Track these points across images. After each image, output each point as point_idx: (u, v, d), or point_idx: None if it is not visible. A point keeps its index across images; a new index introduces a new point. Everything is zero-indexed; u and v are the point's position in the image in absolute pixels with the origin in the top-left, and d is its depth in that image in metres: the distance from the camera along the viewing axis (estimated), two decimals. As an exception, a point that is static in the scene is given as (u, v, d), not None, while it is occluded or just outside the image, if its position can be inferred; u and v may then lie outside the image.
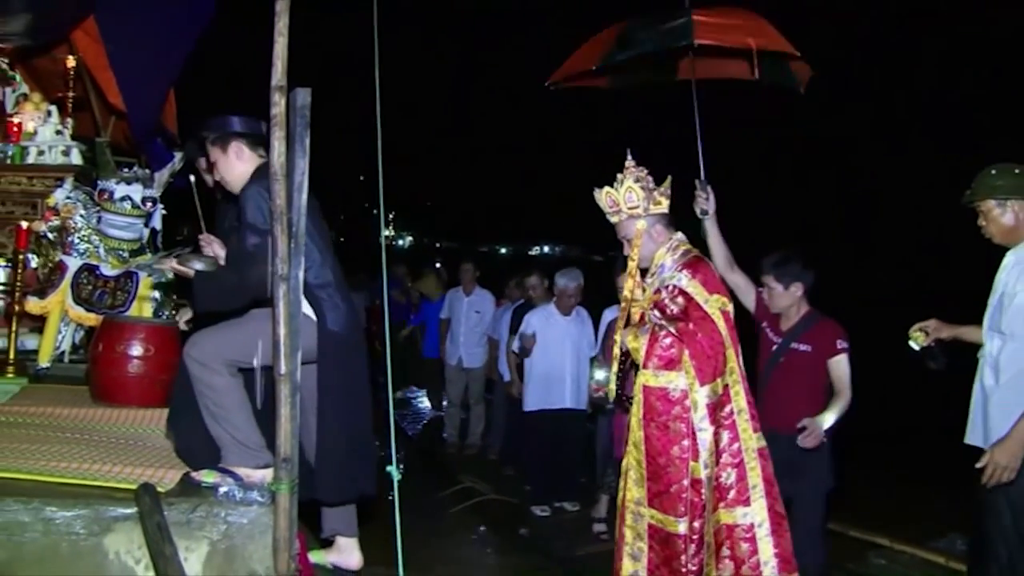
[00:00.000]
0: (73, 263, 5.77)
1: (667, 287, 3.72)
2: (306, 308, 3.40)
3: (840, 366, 4.43)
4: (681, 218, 3.99)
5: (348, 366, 3.57)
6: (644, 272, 3.88)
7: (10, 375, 5.50)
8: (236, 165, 3.69)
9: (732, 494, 3.64)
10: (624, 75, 5.25)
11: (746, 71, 4.80)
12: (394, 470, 3.27)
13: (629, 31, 4.81)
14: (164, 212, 6.49)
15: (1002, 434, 3.68)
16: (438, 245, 48.77)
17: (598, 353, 6.19)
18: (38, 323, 5.97)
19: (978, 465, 3.66)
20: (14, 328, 5.68)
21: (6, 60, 6.63)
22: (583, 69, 4.99)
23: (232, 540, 3.21)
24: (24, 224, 5.83)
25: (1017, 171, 3.84)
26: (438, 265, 13.89)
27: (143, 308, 5.77)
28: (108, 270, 5.79)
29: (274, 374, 3.09)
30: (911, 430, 8.61)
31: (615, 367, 3.87)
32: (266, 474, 3.33)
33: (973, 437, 3.93)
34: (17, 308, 5.68)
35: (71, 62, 6.66)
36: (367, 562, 4.98)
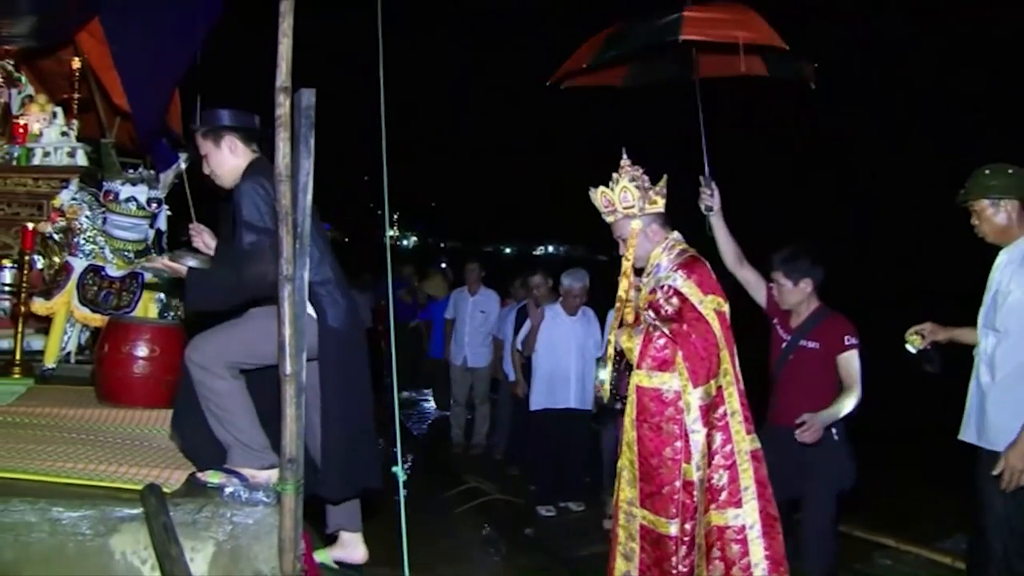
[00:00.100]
0: (79, 264, 5.78)
1: (662, 287, 3.70)
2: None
3: (849, 362, 4.38)
4: (688, 215, 3.98)
5: (349, 362, 3.55)
6: (641, 272, 3.86)
7: (16, 376, 5.52)
8: (228, 159, 3.65)
9: (724, 496, 3.61)
10: (638, 74, 5.24)
11: (760, 67, 4.79)
12: (400, 471, 3.27)
13: (620, 29, 4.82)
14: (169, 213, 6.49)
15: (1000, 430, 3.74)
16: (443, 245, 48.80)
17: (603, 353, 6.18)
18: (44, 324, 5.99)
19: (994, 472, 3.67)
20: (20, 329, 5.70)
21: (12, 62, 6.65)
22: (576, 67, 4.99)
23: (238, 540, 3.22)
24: (30, 225, 5.86)
25: (1011, 171, 3.90)
26: (443, 265, 13.89)
27: (148, 309, 5.78)
28: (113, 271, 5.81)
29: (279, 375, 3.10)
30: (916, 430, 8.61)
31: (610, 367, 3.85)
32: (271, 474, 3.33)
33: (967, 434, 3.97)
34: (23, 309, 5.70)
35: (76, 63, 6.69)
36: (372, 562, 4.97)
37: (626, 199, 3.73)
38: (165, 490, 3.27)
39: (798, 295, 4.46)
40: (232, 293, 3.41)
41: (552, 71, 5.22)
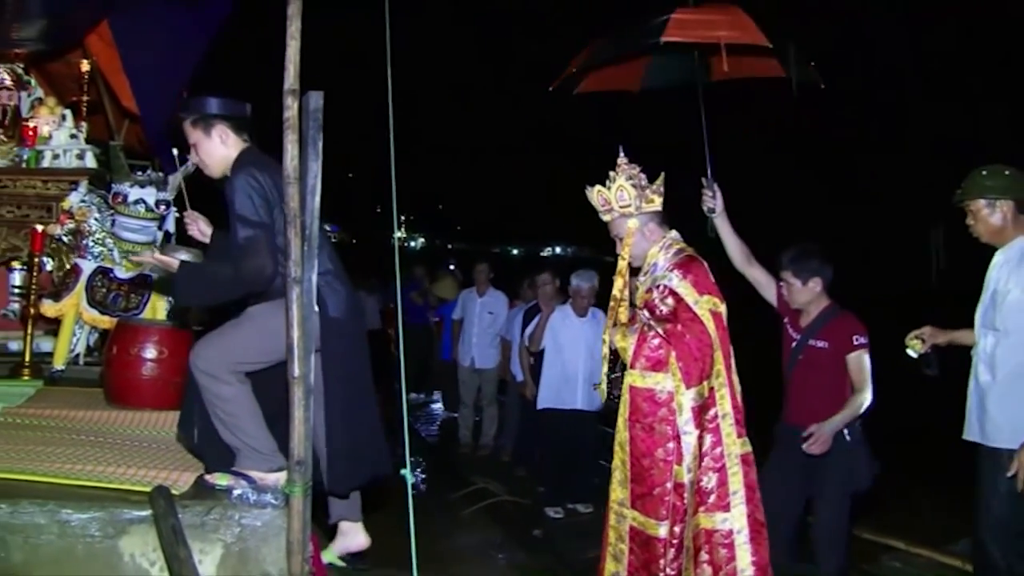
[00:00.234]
0: (87, 266, 5.81)
1: (658, 287, 3.67)
2: None
3: (858, 363, 4.36)
4: (690, 216, 3.96)
5: (352, 353, 3.52)
6: (638, 271, 3.84)
7: (25, 377, 5.55)
8: (219, 149, 3.58)
9: (712, 499, 3.57)
10: (655, 77, 5.21)
11: (778, 69, 4.78)
12: (408, 473, 3.26)
13: (612, 34, 4.81)
14: (177, 215, 6.51)
15: (1003, 428, 3.77)
16: (450, 246, 48.84)
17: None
18: (53, 326, 6.02)
19: (1009, 474, 3.69)
20: (29, 331, 5.73)
21: (21, 65, 6.68)
22: (570, 73, 4.99)
23: (246, 542, 3.23)
24: (39, 227, 5.89)
25: (1007, 172, 3.94)
26: (451, 267, 13.88)
27: (157, 311, 5.80)
28: (122, 273, 5.83)
29: (288, 377, 3.10)
30: (924, 430, 8.56)
31: (605, 367, 3.82)
32: (280, 477, 3.32)
33: (971, 433, 3.99)
34: (32, 311, 5.73)
35: (85, 66, 6.71)
36: (381, 563, 4.96)
37: (622, 198, 3.69)
38: (174, 492, 3.27)
39: (807, 294, 4.45)
40: (227, 288, 3.37)
41: (558, 72, 5.21)
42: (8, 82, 6.57)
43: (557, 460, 7.18)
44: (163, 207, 5.99)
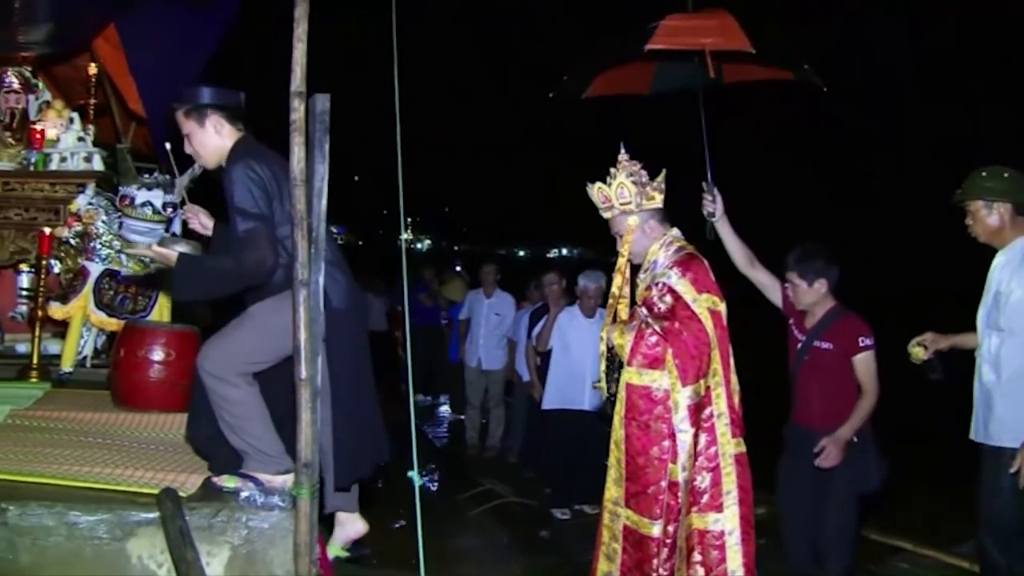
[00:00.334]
0: (95, 269, 5.83)
1: (657, 284, 3.65)
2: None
3: (864, 364, 4.36)
4: (691, 216, 3.95)
5: (353, 343, 3.49)
6: (639, 268, 3.83)
7: (33, 379, 5.57)
8: (213, 139, 3.53)
9: (706, 499, 3.55)
10: (666, 80, 5.21)
11: (786, 72, 4.77)
12: (415, 475, 3.26)
13: (605, 40, 4.81)
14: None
15: (1009, 427, 3.77)
16: (456, 248, 48.84)
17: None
18: (61, 328, 6.04)
19: (1012, 471, 3.69)
20: (37, 333, 5.74)
21: (29, 68, 6.71)
22: (564, 81, 5.00)
23: (253, 544, 3.23)
24: (47, 230, 5.90)
25: (1006, 174, 3.95)
26: (458, 268, 13.87)
27: (164, 313, 5.81)
28: (129, 275, 5.84)
29: (295, 379, 3.10)
30: (930, 431, 8.54)
31: (602, 365, 3.80)
32: (287, 479, 3.32)
33: (976, 434, 4.01)
34: (40, 313, 5.75)
35: (92, 69, 6.74)
36: (387, 564, 4.98)
37: (623, 195, 3.68)
38: (181, 494, 3.28)
39: (813, 295, 4.43)
40: (227, 281, 3.32)
41: (561, 73, 5.21)
42: (16, 85, 6.60)
43: (564, 461, 7.17)
44: (170, 209, 6.00)
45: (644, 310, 3.65)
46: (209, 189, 3.99)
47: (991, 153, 4.19)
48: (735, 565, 3.52)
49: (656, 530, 3.45)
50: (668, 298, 3.60)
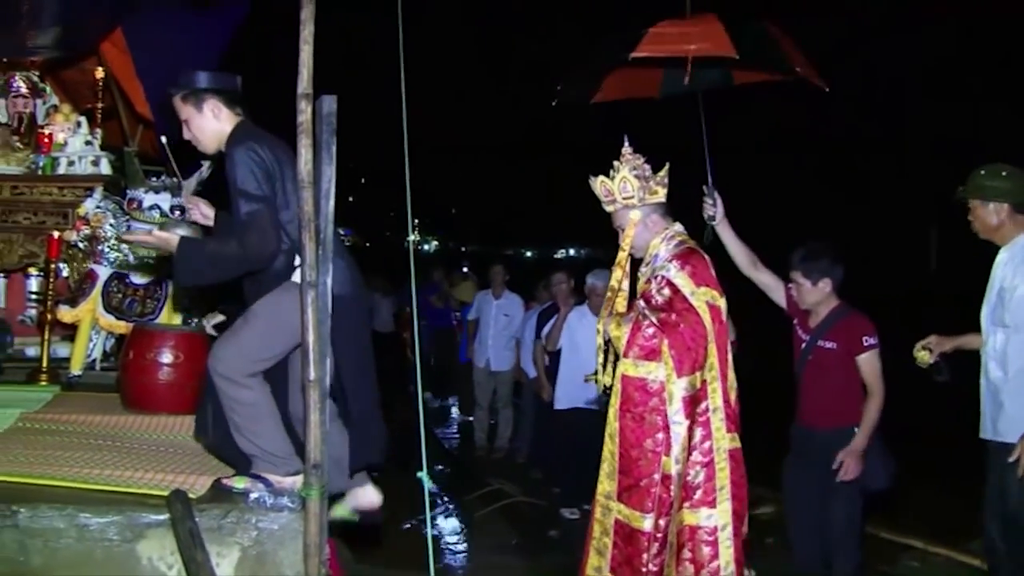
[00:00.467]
0: (103, 272, 5.83)
1: (656, 277, 3.63)
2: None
3: (869, 364, 4.33)
4: (690, 219, 3.94)
5: (356, 331, 3.46)
6: (640, 262, 3.81)
7: (43, 383, 5.58)
8: (211, 124, 3.49)
9: (699, 494, 3.53)
10: (675, 83, 5.20)
11: (784, 74, 4.77)
12: (424, 475, 3.25)
13: (596, 48, 4.81)
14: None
15: (1018, 423, 3.77)
16: (463, 249, 48.79)
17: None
18: (70, 331, 6.05)
19: (1011, 459, 3.69)
20: (46, 336, 5.76)
21: (37, 73, 6.72)
22: (558, 88, 5.01)
23: (263, 546, 3.23)
24: (55, 234, 5.91)
25: (1004, 173, 3.98)
26: (464, 269, 13.87)
27: (172, 316, 5.82)
28: (138, 278, 5.85)
29: (303, 381, 3.10)
30: (937, 429, 8.51)
31: (599, 357, 3.77)
32: (296, 480, 3.32)
33: (985, 431, 4.01)
34: (49, 317, 5.76)
35: (99, 73, 6.75)
36: (394, 564, 4.98)
37: (625, 189, 3.66)
38: (191, 496, 3.28)
39: (817, 295, 4.42)
40: (230, 264, 3.29)
41: (562, 78, 5.21)
42: (24, 90, 6.62)
43: (573, 460, 7.17)
44: (177, 213, 6.00)
45: (642, 302, 3.63)
46: (216, 191, 4.00)
47: (991, 153, 4.19)
48: (727, 560, 3.50)
49: (647, 524, 3.41)
50: (666, 291, 3.58)
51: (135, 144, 6.76)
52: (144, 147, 6.99)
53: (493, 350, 9.39)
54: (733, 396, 3.63)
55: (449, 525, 6.91)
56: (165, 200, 5.87)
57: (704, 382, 3.54)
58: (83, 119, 6.54)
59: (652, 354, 3.50)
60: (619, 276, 3.76)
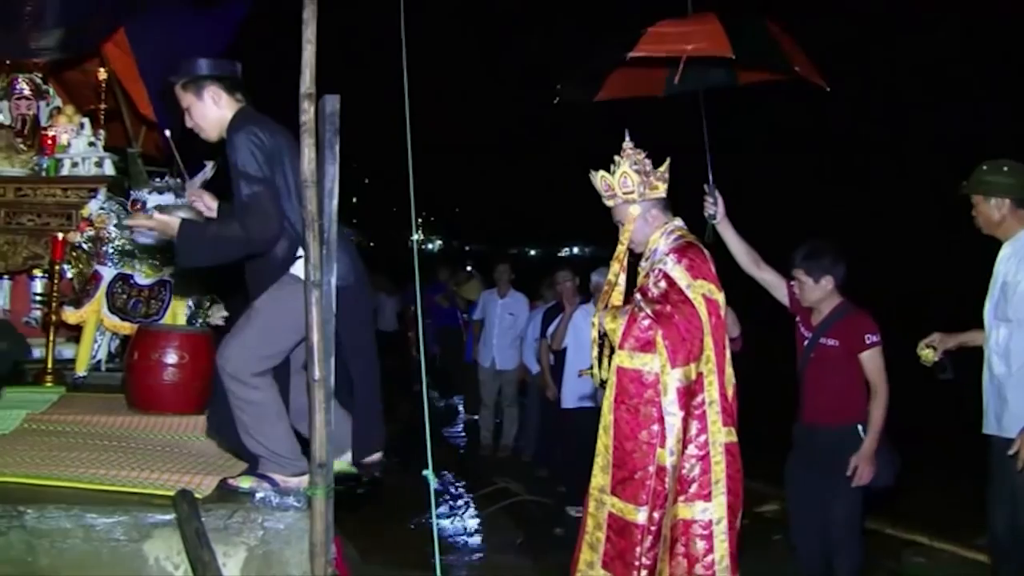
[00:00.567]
0: (108, 273, 5.84)
1: (654, 271, 3.63)
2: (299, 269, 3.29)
3: (871, 362, 4.32)
4: (694, 223, 3.93)
5: (358, 322, 3.47)
6: (640, 257, 3.81)
7: (48, 384, 5.59)
8: (212, 111, 3.49)
9: (694, 488, 3.50)
10: (680, 81, 5.20)
11: (784, 74, 4.77)
12: (430, 474, 3.25)
13: (596, 47, 4.81)
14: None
15: (1021, 418, 3.75)
16: (467, 248, 48.76)
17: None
18: (75, 332, 6.06)
19: (1010, 452, 3.70)
20: (51, 338, 5.77)
21: (40, 74, 6.73)
22: (558, 89, 5.01)
23: (269, 545, 3.24)
24: (59, 235, 5.93)
25: (1006, 169, 3.99)
26: (468, 268, 13.86)
27: (177, 316, 5.83)
28: (142, 279, 5.86)
29: (308, 380, 3.10)
30: (941, 425, 8.50)
31: (594, 351, 3.74)
32: (302, 480, 3.33)
33: (988, 427, 4.01)
34: (54, 318, 5.78)
35: (102, 74, 6.76)
36: (400, 563, 4.97)
37: (626, 184, 3.65)
38: (197, 496, 3.28)
39: (819, 292, 4.41)
40: (232, 247, 3.26)
41: (563, 76, 5.21)
42: (27, 92, 6.63)
43: (579, 459, 7.16)
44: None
45: (639, 295, 3.63)
46: (220, 193, 4.00)
47: (992, 152, 4.19)
48: (721, 553, 3.48)
49: (641, 517, 3.39)
50: (662, 283, 3.57)
51: (139, 145, 6.78)
52: (148, 148, 7.01)
53: (498, 349, 9.38)
54: (730, 391, 3.61)
55: (455, 524, 6.90)
56: (169, 201, 5.88)
57: (700, 375, 3.52)
58: (86, 120, 6.55)
59: (647, 346, 3.47)
60: (616, 270, 3.75)
